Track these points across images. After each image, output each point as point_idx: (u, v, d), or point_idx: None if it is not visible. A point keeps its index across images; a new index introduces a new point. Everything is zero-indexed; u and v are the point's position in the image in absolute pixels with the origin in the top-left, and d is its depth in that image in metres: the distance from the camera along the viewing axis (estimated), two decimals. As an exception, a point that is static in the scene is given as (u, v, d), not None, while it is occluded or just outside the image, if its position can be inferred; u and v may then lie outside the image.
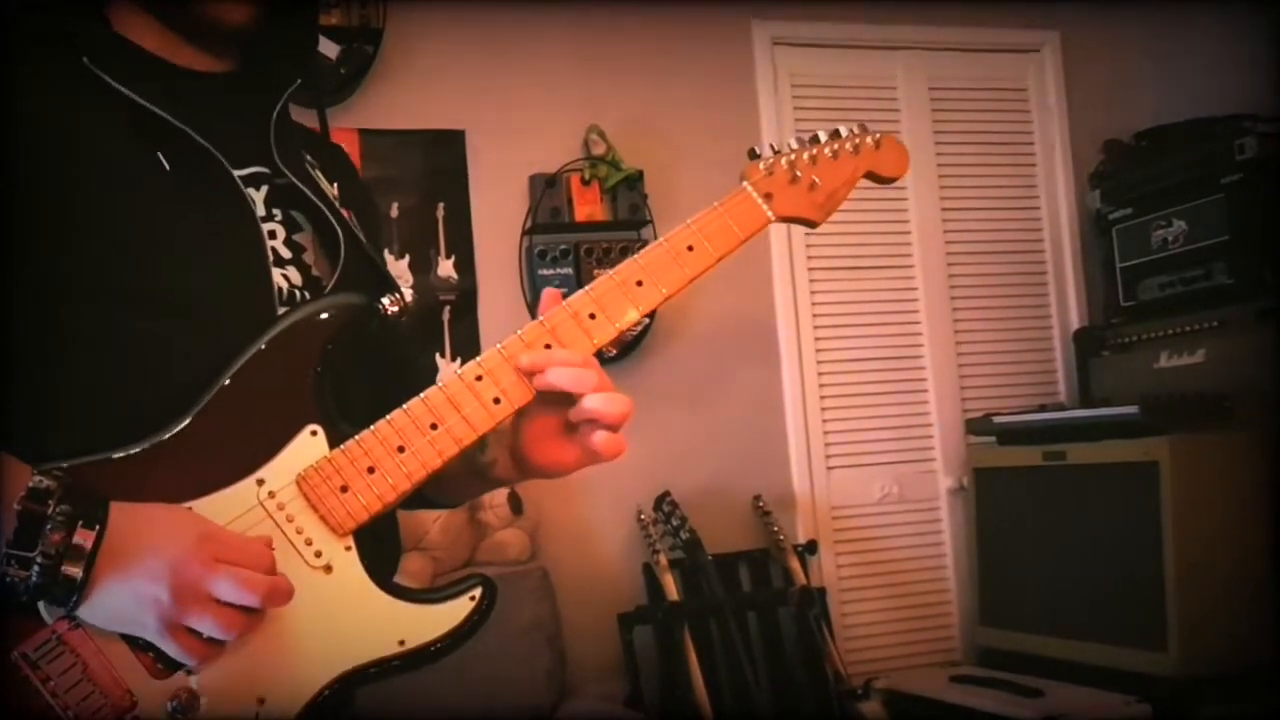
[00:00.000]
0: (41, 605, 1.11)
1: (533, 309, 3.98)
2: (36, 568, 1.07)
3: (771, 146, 1.43)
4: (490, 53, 4.12)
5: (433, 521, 3.60)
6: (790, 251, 4.34)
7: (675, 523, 3.89)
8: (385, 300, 1.30)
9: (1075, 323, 4.66)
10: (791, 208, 1.42)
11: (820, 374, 4.37)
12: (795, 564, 4.02)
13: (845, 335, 4.42)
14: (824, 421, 4.36)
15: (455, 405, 1.26)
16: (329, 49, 3.82)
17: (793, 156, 1.42)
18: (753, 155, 1.42)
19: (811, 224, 1.44)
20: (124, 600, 1.10)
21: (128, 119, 1.24)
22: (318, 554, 1.21)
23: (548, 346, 1.29)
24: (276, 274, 1.31)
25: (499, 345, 1.29)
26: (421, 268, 3.97)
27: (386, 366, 1.41)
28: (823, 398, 4.37)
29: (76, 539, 1.08)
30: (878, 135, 1.48)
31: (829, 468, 4.36)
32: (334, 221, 1.36)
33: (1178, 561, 3.48)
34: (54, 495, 1.08)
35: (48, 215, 1.19)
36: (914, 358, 4.49)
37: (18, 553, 1.06)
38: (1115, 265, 4.39)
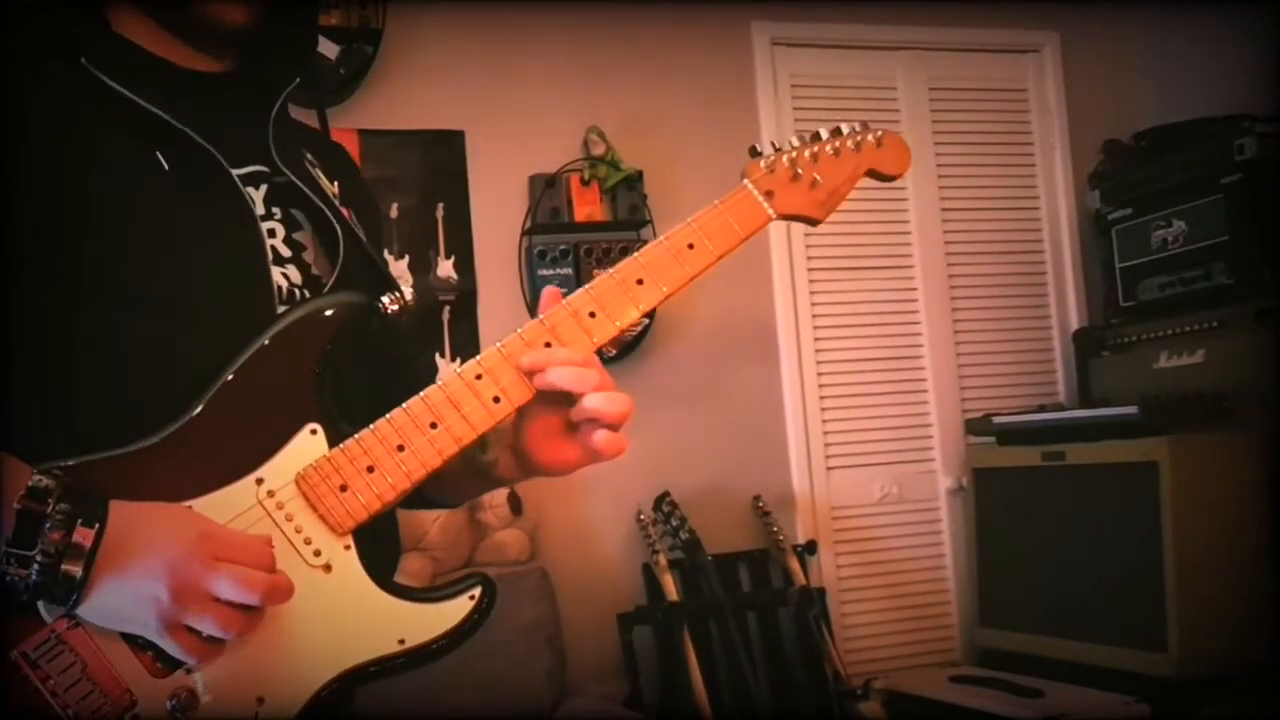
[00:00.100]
0: (41, 604, 1.11)
1: (532, 309, 3.98)
2: (36, 566, 1.06)
3: (773, 144, 1.43)
4: (490, 53, 4.12)
5: (432, 522, 3.59)
6: (790, 252, 4.34)
7: (675, 523, 3.89)
8: (385, 299, 1.29)
9: (1075, 323, 4.66)
10: (793, 205, 1.41)
11: (820, 374, 4.37)
12: (795, 564, 4.02)
13: (845, 335, 4.42)
14: (824, 422, 4.36)
15: (455, 404, 1.26)
16: (328, 49, 3.82)
17: (794, 154, 1.42)
18: (754, 153, 1.42)
19: (813, 222, 1.44)
20: (123, 599, 1.10)
21: (127, 119, 1.24)
22: (317, 553, 1.21)
23: (548, 345, 1.29)
24: (276, 273, 1.31)
25: (499, 344, 1.29)
26: (421, 268, 3.97)
27: (386, 366, 1.41)
28: (822, 398, 4.37)
29: (76, 538, 1.08)
30: (879, 132, 1.47)
31: (829, 468, 4.36)
32: (333, 220, 1.36)
33: (1177, 562, 3.48)
34: (53, 494, 1.08)
35: (47, 216, 1.18)
36: (914, 358, 4.49)
37: (17, 551, 1.06)
38: (1115, 265, 4.39)
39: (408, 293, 1.30)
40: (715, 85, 4.35)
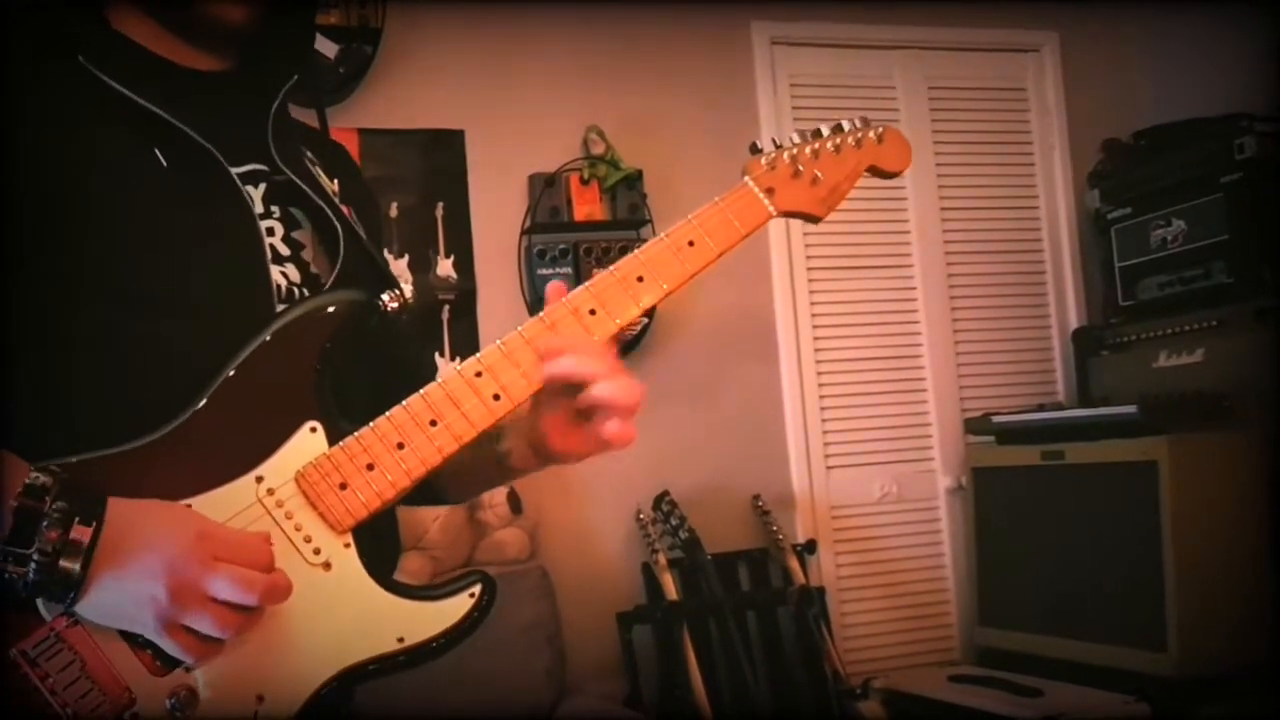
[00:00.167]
0: (40, 602, 1.11)
1: (532, 308, 3.99)
2: (33, 565, 1.06)
3: (773, 141, 1.43)
4: (489, 52, 4.12)
5: (432, 521, 3.59)
6: (789, 251, 4.34)
7: (674, 522, 3.89)
8: (385, 296, 1.29)
9: (1074, 322, 4.66)
10: (793, 203, 1.41)
11: (819, 373, 4.37)
12: (794, 563, 4.02)
13: (844, 335, 4.41)
14: (823, 421, 4.36)
15: (455, 402, 1.26)
16: (328, 49, 3.82)
17: (795, 151, 1.42)
18: (754, 150, 1.42)
19: (814, 219, 1.44)
20: (121, 598, 1.10)
21: (126, 118, 1.24)
22: (316, 551, 1.21)
23: None
24: (275, 271, 1.31)
25: (499, 341, 1.29)
26: (421, 267, 3.97)
27: (387, 364, 1.41)
28: (822, 397, 4.37)
29: (73, 535, 1.07)
30: (880, 129, 1.47)
31: (828, 467, 4.36)
32: (333, 218, 1.36)
33: (1177, 561, 3.47)
34: (50, 492, 1.08)
35: (47, 215, 1.18)
36: (913, 357, 4.49)
37: (15, 550, 1.06)
38: (1114, 265, 4.39)
39: (408, 291, 1.30)
40: (714, 85, 4.34)
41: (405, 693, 2.05)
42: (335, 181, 1.47)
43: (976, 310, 4.57)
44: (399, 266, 3.91)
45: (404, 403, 1.25)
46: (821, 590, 4.13)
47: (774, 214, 1.40)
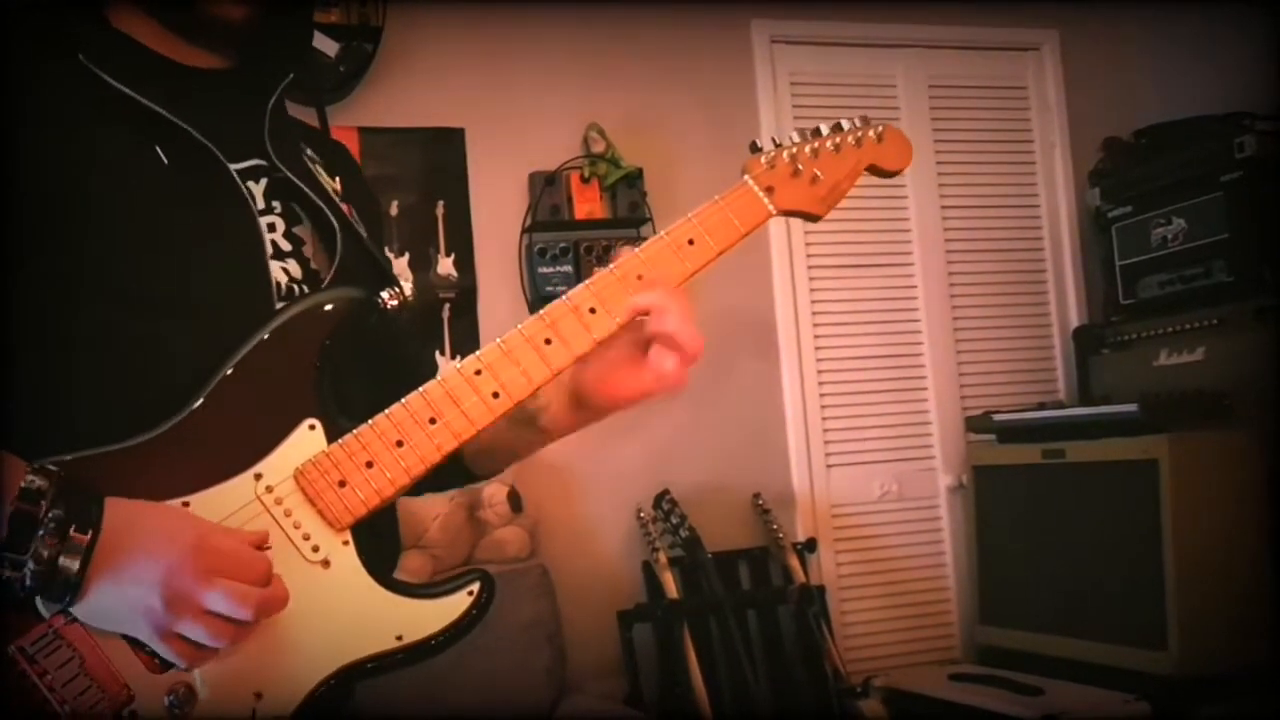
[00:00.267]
0: (38, 600, 1.10)
1: (533, 306, 4.00)
2: (29, 572, 1.07)
3: (773, 140, 1.42)
4: (490, 51, 4.12)
5: (432, 519, 3.59)
6: (790, 250, 4.34)
7: (675, 520, 3.89)
8: (384, 294, 1.29)
9: (1075, 320, 4.66)
10: (793, 201, 1.41)
11: (820, 372, 4.37)
12: (795, 562, 4.02)
13: (845, 333, 4.41)
14: (823, 419, 4.36)
15: (454, 400, 1.26)
16: (328, 47, 3.82)
17: (794, 150, 1.42)
18: (754, 148, 1.42)
19: (814, 218, 1.44)
20: (117, 604, 1.10)
21: (127, 116, 1.24)
22: (315, 549, 1.21)
23: (548, 341, 1.29)
24: (276, 267, 1.31)
25: (499, 340, 1.29)
26: (421, 265, 3.97)
27: (386, 363, 1.41)
28: (822, 396, 4.37)
29: (70, 544, 1.07)
30: (880, 128, 1.47)
31: (828, 466, 4.36)
32: (330, 216, 1.36)
33: (1177, 560, 3.47)
34: (46, 495, 1.08)
35: (47, 215, 1.18)
36: (913, 355, 4.49)
37: (10, 555, 1.06)
38: (1115, 263, 4.39)
39: (407, 289, 1.30)
40: (715, 83, 4.34)
41: (406, 691, 2.05)
42: (337, 179, 1.47)
43: (977, 309, 4.57)
44: (399, 265, 3.91)
45: (403, 400, 1.25)
46: (822, 589, 4.13)
47: (774, 213, 1.40)
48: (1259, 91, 4.24)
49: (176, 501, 1.17)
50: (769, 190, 1.40)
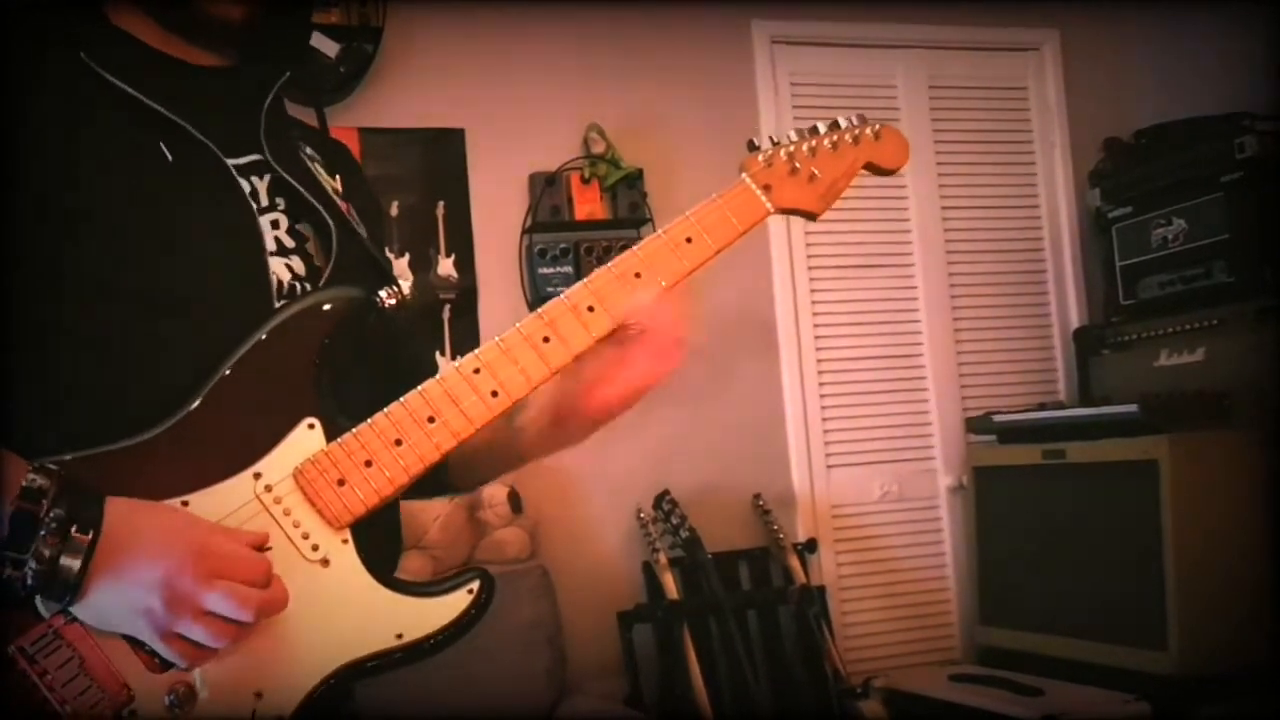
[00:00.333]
0: (38, 600, 1.10)
1: (533, 306, 3.98)
2: (30, 571, 1.07)
3: (771, 138, 1.43)
4: (490, 51, 4.12)
5: (432, 520, 3.59)
6: (790, 250, 4.34)
7: (675, 521, 3.89)
8: (382, 293, 1.29)
9: (1075, 321, 4.66)
10: (790, 199, 1.41)
11: (820, 372, 4.37)
12: (795, 563, 4.02)
13: (845, 334, 4.41)
14: (824, 420, 4.36)
15: (453, 399, 1.26)
16: (329, 47, 3.82)
17: (792, 148, 1.42)
18: (751, 147, 1.42)
19: (811, 216, 1.44)
20: (117, 605, 1.10)
21: (127, 114, 1.24)
22: (314, 548, 1.21)
23: (546, 340, 1.29)
24: (279, 264, 1.30)
25: (497, 338, 1.29)
26: (421, 266, 3.97)
27: (385, 362, 1.41)
28: (823, 396, 4.36)
29: (71, 544, 1.07)
30: (877, 126, 1.47)
31: (829, 466, 4.36)
32: (325, 215, 1.36)
33: (1177, 560, 3.47)
34: (48, 495, 1.07)
35: (47, 212, 1.18)
36: (914, 356, 4.49)
37: (11, 555, 1.06)
38: (1115, 264, 4.39)
39: (405, 288, 1.30)
40: (715, 83, 4.34)
41: (406, 692, 2.05)
42: (337, 178, 1.47)
43: (977, 309, 4.57)
44: (400, 265, 3.91)
45: (402, 399, 1.25)
46: (822, 589, 4.13)
47: (771, 211, 1.40)
48: (1259, 92, 4.24)
49: (175, 501, 1.17)
50: (766, 188, 1.40)
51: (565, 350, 1.30)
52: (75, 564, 1.07)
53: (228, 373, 1.21)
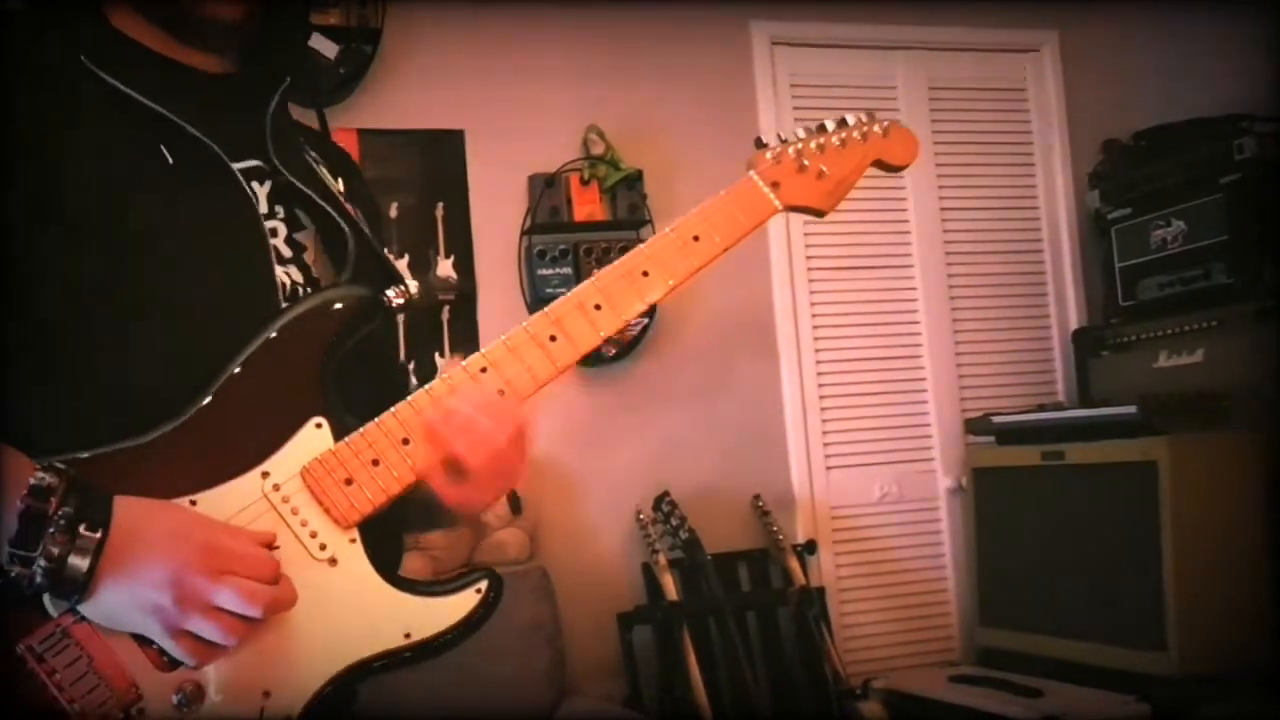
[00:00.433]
0: (46, 598, 1.10)
1: (532, 308, 3.99)
2: (39, 569, 1.06)
3: (779, 135, 1.43)
4: (489, 53, 4.12)
5: (432, 521, 3.59)
6: (789, 251, 4.34)
7: (674, 522, 3.89)
8: (390, 292, 1.29)
9: (1074, 322, 4.66)
10: (799, 197, 1.41)
11: (819, 374, 4.37)
12: (794, 564, 4.02)
13: (844, 335, 4.41)
14: (823, 421, 4.36)
15: None
16: (328, 49, 3.81)
17: (800, 145, 1.42)
18: (759, 144, 1.42)
19: (819, 213, 1.44)
20: (125, 603, 1.10)
21: (127, 116, 1.24)
22: (322, 547, 1.21)
23: (553, 338, 1.29)
24: (279, 272, 1.30)
25: (503, 337, 1.29)
26: (420, 267, 3.97)
27: (384, 364, 1.41)
28: (822, 397, 4.36)
29: (80, 542, 1.07)
30: (886, 123, 1.47)
31: (828, 467, 4.36)
32: (339, 220, 1.36)
33: (1176, 561, 3.47)
34: (56, 492, 1.07)
35: (47, 213, 1.18)
36: (913, 357, 4.49)
37: (20, 552, 1.06)
38: (1114, 265, 4.39)
39: (413, 286, 1.29)
40: (715, 85, 4.34)
41: (406, 693, 2.05)
42: (340, 181, 1.46)
43: (977, 310, 4.57)
44: (399, 267, 3.90)
45: (409, 398, 1.25)
46: (821, 590, 4.13)
47: (779, 208, 1.40)
48: (1259, 93, 4.25)
49: (184, 500, 1.17)
50: (774, 185, 1.40)
51: (572, 349, 1.30)
52: (84, 563, 1.07)
53: (236, 371, 1.21)
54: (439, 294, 3.97)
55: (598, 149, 4.08)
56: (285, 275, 1.31)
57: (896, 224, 4.49)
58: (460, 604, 1.24)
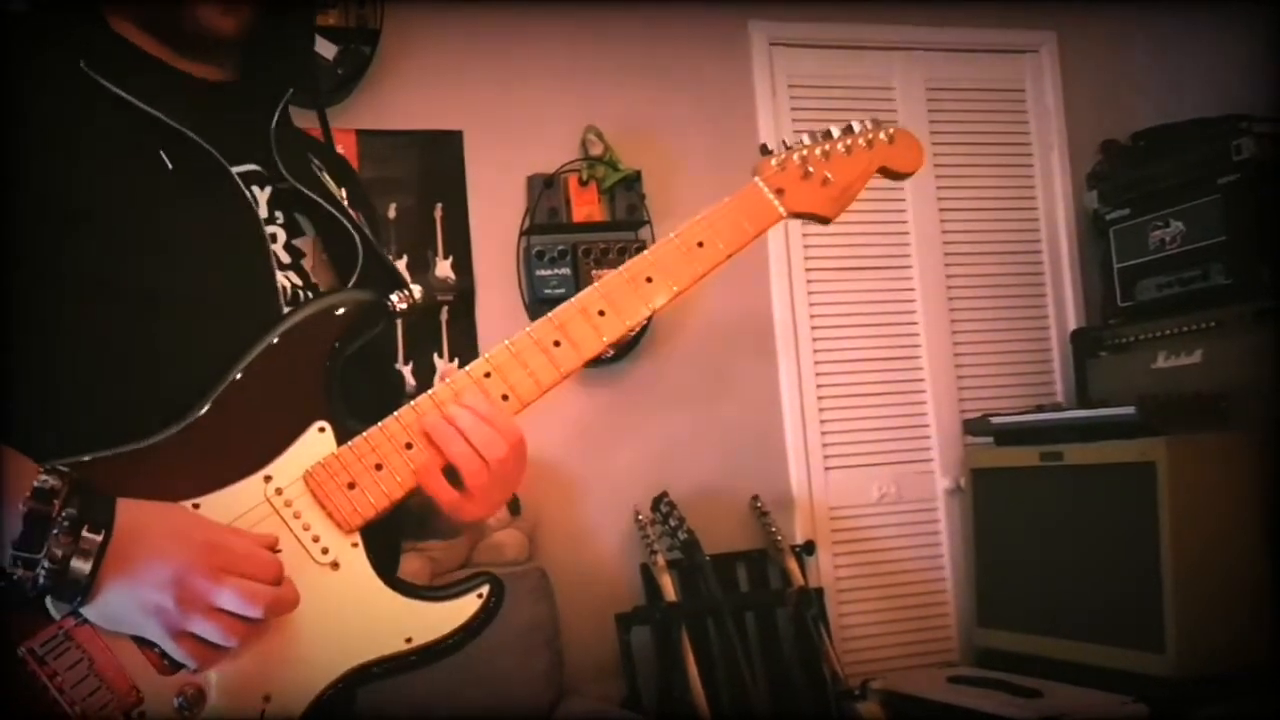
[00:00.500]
0: (48, 601, 1.10)
1: (531, 309, 4.00)
2: (42, 571, 1.06)
3: (784, 142, 1.43)
4: (488, 53, 4.12)
5: (431, 521, 3.59)
6: (788, 252, 4.34)
7: (673, 523, 3.89)
8: (394, 296, 1.29)
9: (1073, 323, 4.66)
10: (803, 203, 1.41)
11: (818, 374, 4.37)
12: (793, 564, 4.02)
13: (843, 336, 4.41)
14: (822, 422, 4.36)
15: None
16: (326, 49, 3.81)
17: (805, 152, 1.42)
18: (764, 151, 1.42)
19: (824, 220, 1.44)
20: (128, 605, 1.10)
21: (127, 121, 1.24)
22: (325, 551, 1.21)
23: (557, 343, 1.29)
24: (279, 278, 1.30)
25: (507, 342, 1.29)
26: (419, 268, 3.96)
27: (386, 368, 1.41)
28: (820, 398, 4.36)
29: (83, 544, 1.07)
30: (891, 130, 1.47)
31: (827, 468, 4.36)
32: (347, 225, 1.36)
33: (1175, 562, 3.47)
34: (59, 495, 1.07)
35: (47, 214, 1.18)
36: (912, 358, 4.49)
37: (23, 554, 1.06)
38: (1112, 266, 4.39)
39: (417, 291, 1.29)
40: (713, 86, 4.34)
41: (405, 694, 2.05)
42: (342, 189, 1.47)
43: (975, 311, 4.57)
44: (398, 268, 3.90)
45: (412, 403, 1.25)
46: (820, 591, 4.13)
47: (784, 215, 1.40)
48: (1257, 94, 4.25)
49: (187, 503, 1.17)
50: (779, 192, 1.40)
51: (576, 355, 1.30)
52: (86, 565, 1.07)
53: (239, 375, 1.21)
54: (437, 295, 3.97)
55: (596, 150, 4.08)
56: (285, 280, 1.31)
57: (895, 225, 4.49)
58: (462, 609, 1.24)
